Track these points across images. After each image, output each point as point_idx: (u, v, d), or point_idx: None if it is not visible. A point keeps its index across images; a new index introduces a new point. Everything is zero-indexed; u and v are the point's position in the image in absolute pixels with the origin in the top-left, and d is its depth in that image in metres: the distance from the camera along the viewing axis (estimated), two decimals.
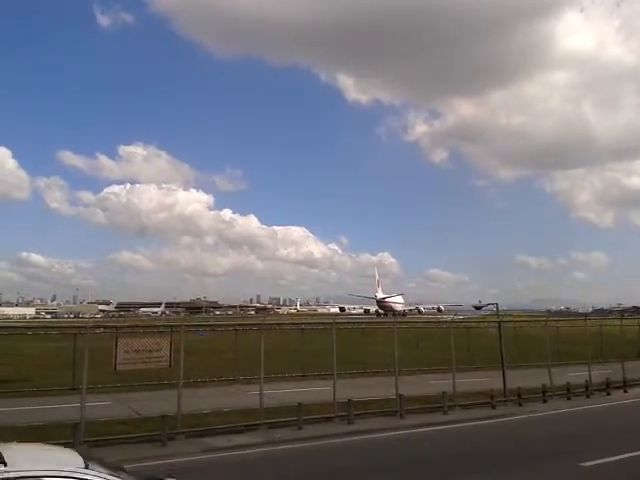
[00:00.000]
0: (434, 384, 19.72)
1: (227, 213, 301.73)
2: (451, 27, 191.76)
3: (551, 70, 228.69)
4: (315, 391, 17.97)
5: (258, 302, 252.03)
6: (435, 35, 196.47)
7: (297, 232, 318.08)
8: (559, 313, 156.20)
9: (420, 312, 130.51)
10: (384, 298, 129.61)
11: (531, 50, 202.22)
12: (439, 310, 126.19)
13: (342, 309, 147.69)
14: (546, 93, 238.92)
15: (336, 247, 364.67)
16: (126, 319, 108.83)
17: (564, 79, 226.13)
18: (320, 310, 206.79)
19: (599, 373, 22.12)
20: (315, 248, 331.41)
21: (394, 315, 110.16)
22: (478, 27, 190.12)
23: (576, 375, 21.63)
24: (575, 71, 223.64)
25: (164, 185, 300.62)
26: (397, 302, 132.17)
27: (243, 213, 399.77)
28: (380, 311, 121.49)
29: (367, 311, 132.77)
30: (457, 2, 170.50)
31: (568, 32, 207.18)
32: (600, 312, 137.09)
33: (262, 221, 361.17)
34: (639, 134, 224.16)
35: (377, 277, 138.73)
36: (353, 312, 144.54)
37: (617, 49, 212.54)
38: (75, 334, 20.54)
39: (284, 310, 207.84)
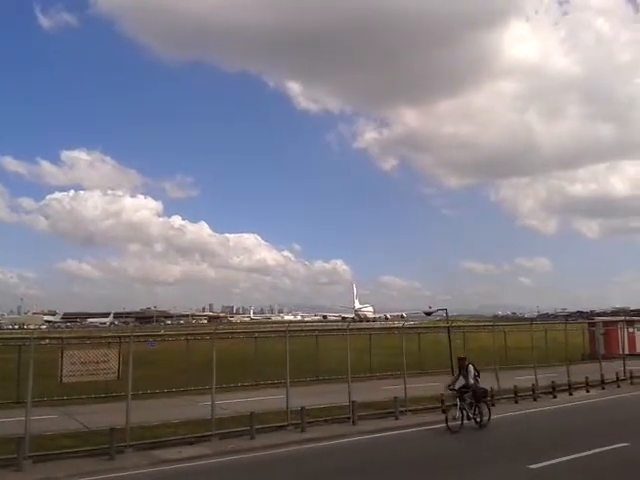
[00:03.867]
0: (386, 389, 19.96)
1: (177, 220, 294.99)
2: (400, 36, 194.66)
3: (498, 80, 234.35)
4: (268, 400, 17.92)
5: (211, 311, 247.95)
6: (384, 44, 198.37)
7: (250, 239, 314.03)
8: (506, 318, 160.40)
9: (387, 319, 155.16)
10: (360, 308, 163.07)
11: (479, 60, 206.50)
12: (402, 317, 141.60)
13: (325, 317, 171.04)
14: (493, 103, 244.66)
15: (289, 254, 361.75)
16: (73, 330, 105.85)
17: (511, 89, 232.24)
18: (274, 318, 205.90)
19: (545, 376, 22.67)
20: (268, 255, 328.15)
21: (367, 321, 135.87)
22: (427, 36, 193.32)
23: (523, 378, 22.24)
24: (521, 81, 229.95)
25: (110, 191, 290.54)
26: (368, 311, 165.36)
27: (193, 220, 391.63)
28: (355, 318, 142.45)
29: (344, 318, 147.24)
30: (406, 12, 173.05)
31: (514, 42, 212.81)
32: (545, 317, 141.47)
33: (213, 228, 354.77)
34: (583, 143, 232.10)
35: (355, 291, 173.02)
36: (332, 319, 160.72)
37: (562, 59, 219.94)
38: (20, 345, 19.96)
39: (237, 319, 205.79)
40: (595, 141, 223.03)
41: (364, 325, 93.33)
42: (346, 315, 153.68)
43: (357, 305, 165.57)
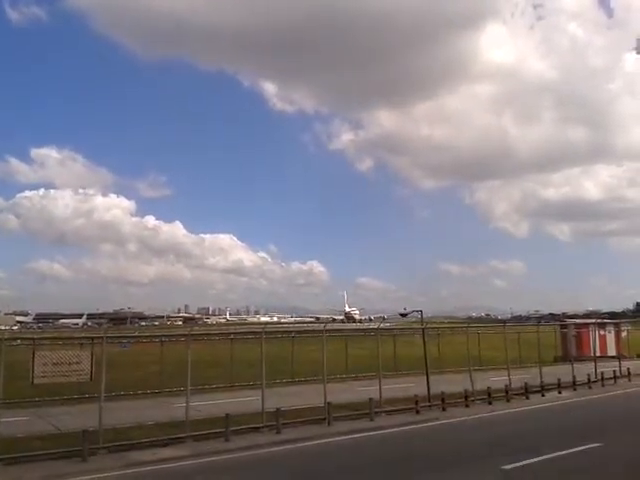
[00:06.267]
0: (362, 390, 20.04)
1: (150, 220, 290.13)
2: (377, 38, 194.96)
3: (474, 83, 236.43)
4: (244, 401, 17.84)
5: (186, 312, 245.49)
6: (360, 46, 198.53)
7: (225, 240, 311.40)
8: (480, 319, 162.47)
9: (371, 320, 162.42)
10: (349, 311, 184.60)
11: (456, 62, 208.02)
12: (383, 318, 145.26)
13: (317, 318, 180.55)
14: (469, 105, 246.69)
15: (266, 255, 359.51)
16: (45, 331, 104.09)
17: (487, 92, 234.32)
18: (250, 319, 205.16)
19: (518, 378, 22.93)
20: (245, 256, 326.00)
21: (354, 322, 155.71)
22: (404, 38, 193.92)
23: (496, 380, 22.50)
24: (497, 84, 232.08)
25: (81, 190, 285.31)
26: (355, 314, 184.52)
27: (168, 220, 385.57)
28: (345, 320, 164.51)
29: (334, 319, 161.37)
30: (382, 14, 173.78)
31: (491, 45, 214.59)
32: (518, 319, 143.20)
33: (188, 228, 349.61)
34: (557, 147, 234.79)
35: (346, 296, 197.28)
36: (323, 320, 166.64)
37: (537, 63, 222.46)
38: None
39: (213, 320, 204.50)
40: (569, 145, 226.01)
41: (340, 326, 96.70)
42: (336, 317, 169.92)
43: (347, 309, 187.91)
